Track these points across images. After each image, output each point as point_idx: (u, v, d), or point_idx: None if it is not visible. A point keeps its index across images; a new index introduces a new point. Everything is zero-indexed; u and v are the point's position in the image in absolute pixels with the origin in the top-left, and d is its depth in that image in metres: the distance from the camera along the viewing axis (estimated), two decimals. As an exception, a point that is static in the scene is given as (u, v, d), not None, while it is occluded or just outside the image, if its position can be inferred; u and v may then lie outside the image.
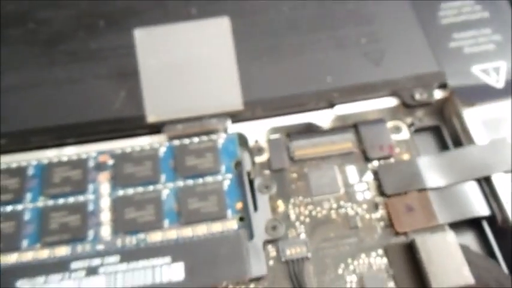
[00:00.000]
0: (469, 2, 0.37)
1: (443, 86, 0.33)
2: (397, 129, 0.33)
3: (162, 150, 0.32)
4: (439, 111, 0.34)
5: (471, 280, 0.27)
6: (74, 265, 0.28)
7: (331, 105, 0.33)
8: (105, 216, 0.30)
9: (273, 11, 0.36)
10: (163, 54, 0.32)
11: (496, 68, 0.34)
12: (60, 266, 0.28)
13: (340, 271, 0.28)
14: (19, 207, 0.30)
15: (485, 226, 0.30)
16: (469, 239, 0.30)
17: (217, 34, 0.33)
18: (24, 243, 0.29)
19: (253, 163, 0.31)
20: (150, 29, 0.32)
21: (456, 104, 0.33)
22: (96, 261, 0.28)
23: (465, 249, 0.28)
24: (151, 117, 0.32)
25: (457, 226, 0.29)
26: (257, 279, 0.28)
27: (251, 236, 0.29)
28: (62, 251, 0.29)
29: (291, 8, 0.36)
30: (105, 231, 0.29)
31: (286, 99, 0.33)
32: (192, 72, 0.33)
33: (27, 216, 0.29)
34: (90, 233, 0.29)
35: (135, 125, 0.32)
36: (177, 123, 0.32)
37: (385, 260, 0.28)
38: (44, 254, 0.28)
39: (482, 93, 0.33)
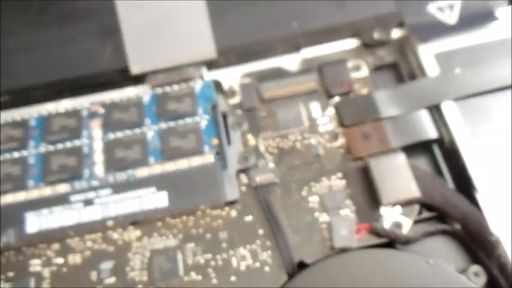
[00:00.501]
0: None
1: (400, 25, 0.36)
2: (357, 68, 0.35)
3: (146, 98, 0.35)
4: (398, 49, 0.37)
5: (417, 193, 0.30)
6: (73, 198, 0.32)
7: (297, 49, 0.37)
8: (98, 156, 0.34)
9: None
10: (142, 11, 0.36)
11: (450, 6, 0.36)
12: (62, 199, 0.32)
13: (303, 193, 0.32)
14: (24, 153, 0.34)
15: (435, 149, 0.33)
16: (422, 161, 0.33)
17: (189, -11, 0.36)
18: (30, 183, 0.33)
19: (227, 105, 0.35)
20: (128, -12, 0.36)
21: (412, 41, 0.36)
22: (91, 194, 0.32)
23: (414, 168, 0.31)
24: (134, 69, 0.36)
25: (411, 150, 0.33)
26: (231, 203, 0.32)
27: (225, 166, 0.33)
28: (63, 187, 0.33)
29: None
30: (99, 170, 0.33)
31: (256, 44, 0.36)
32: (170, 26, 0.36)
33: (31, 161, 0.34)
34: (86, 172, 0.33)
35: (120, 77, 0.36)
36: (158, 73, 0.36)
37: (343, 182, 0.32)
38: (47, 191, 0.33)
39: (437, 30, 0.35)
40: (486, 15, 0.35)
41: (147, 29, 0.36)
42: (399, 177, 0.31)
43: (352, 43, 0.36)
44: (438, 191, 0.31)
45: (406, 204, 0.31)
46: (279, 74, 0.36)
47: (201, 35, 0.36)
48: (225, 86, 0.36)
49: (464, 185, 0.31)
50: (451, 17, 0.36)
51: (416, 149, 0.33)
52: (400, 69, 0.36)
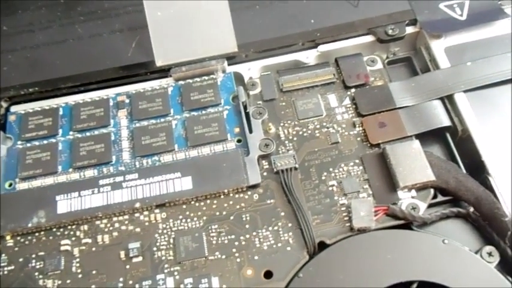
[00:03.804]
0: None
1: (413, 22, 0.38)
2: (373, 62, 0.37)
3: (170, 89, 0.37)
4: (411, 45, 0.39)
5: (432, 177, 0.32)
6: (102, 182, 0.33)
7: (315, 45, 0.38)
8: (125, 144, 0.35)
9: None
10: (168, 7, 0.38)
11: (461, 3, 0.38)
12: (91, 183, 0.33)
13: (323, 177, 0.33)
14: (53, 140, 0.36)
15: (448, 137, 0.34)
16: (435, 148, 0.34)
17: (212, -13, 0.38)
18: (59, 168, 0.35)
19: (248, 95, 0.37)
20: (155, -14, 0.38)
21: (425, 37, 0.37)
22: (119, 178, 0.33)
23: (429, 154, 0.33)
24: (159, 62, 0.37)
25: (426, 138, 0.34)
26: (253, 187, 0.33)
27: (247, 153, 0.34)
28: (90, 173, 0.34)
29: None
30: (126, 156, 0.35)
31: (275, 40, 0.38)
32: (193, 22, 0.38)
33: (60, 147, 0.35)
34: (113, 158, 0.35)
35: (146, 69, 0.37)
36: (181, 66, 0.37)
37: (361, 167, 0.33)
38: (75, 176, 0.34)
39: (448, 26, 0.37)
40: (496, 11, 0.37)
41: (171, 25, 0.38)
42: (414, 163, 0.32)
43: (367, 39, 0.38)
44: (452, 176, 0.32)
45: (421, 188, 0.32)
46: (297, 66, 0.38)
47: (223, 31, 0.37)
48: (246, 79, 0.37)
49: (476, 170, 0.33)
50: (461, 14, 0.37)
51: (430, 137, 0.35)
52: (413, 63, 0.38)
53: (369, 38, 0.38)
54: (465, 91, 0.34)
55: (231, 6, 0.38)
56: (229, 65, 0.38)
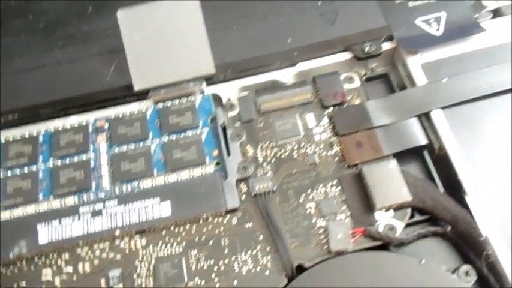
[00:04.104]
0: (414, -42, 0.41)
1: (390, 38, 0.38)
2: (350, 80, 0.37)
3: (149, 113, 0.37)
4: (390, 60, 0.39)
5: (409, 197, 0.32)
6: (82, 210, 0.34)
7: (293, 64, 0.38)
8: (105, 169, 0.35)
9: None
10: (144, 31, 0.38)
11: (437, 18, 0.38)
12: (71, 211, 0.34)
13: (301, 200, 0.33)
14: (34, 168, 0.36)
15: (426, 155, 0.34)
16: (413, 166, 0.35)
17: (189, 8, 0.38)
18: (40, 196, 0.35)
19: (227, 117, 0.37)
20: (130, 9, 0.38)
21: (402, 53, 0.37)
22: (99, 206, 0.34)
23: (406, 173, 0.33)
24: (137, 86, 0.37)
25: (404, 156, 0.34)
26: (232, 211, 0.33)
27: (226, 176, 0.34)
28: (71, 200, 0.34)
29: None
30: (105, 182, 0.35)
31: (253, 60, 0.38)
32: (170, 44, 0.38)
33: (40, 175, 0.35)
34: (93, 184, 0.35)
35: (125, 93, 0.38)
36: (160, 89, 0.37)
37: (339, 188, 0.33)
38: (56, 203, 0.34)
39: (424, 41, 0.37)
40: (472, 26, 0.37)
41: (148, 48, 0.38)
42: (391, 183, 0.32)
43: (345, 56, 0.38)
44: (429, 195, 0.32)
45: (398, 208, 0.32)
46: (275, 86, 0.38)
47: (200, 52, 0.38)
48: (224, 100, 0.38)
49: (454, 188, 0.33)
50: (438, 29, 0.37)
51: (409, 155, 0.35)
52: (391, 80, 0.38)
53: (347, 55, 0.38)
54: (442, 108, 0.35)
55: (207, 26, 0.38)
56: (207, 85, 0.38)
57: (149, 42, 0.38)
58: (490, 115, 0.34)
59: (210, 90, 0.38)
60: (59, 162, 0.36)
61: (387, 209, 0.32)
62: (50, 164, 0.36)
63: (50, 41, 0.40)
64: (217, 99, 0.38)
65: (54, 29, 0.41)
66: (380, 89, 0.38)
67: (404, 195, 0.32)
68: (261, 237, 0.32)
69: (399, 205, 0.32)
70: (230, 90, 0.38)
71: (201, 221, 0.33)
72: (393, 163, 0.33)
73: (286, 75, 0.38)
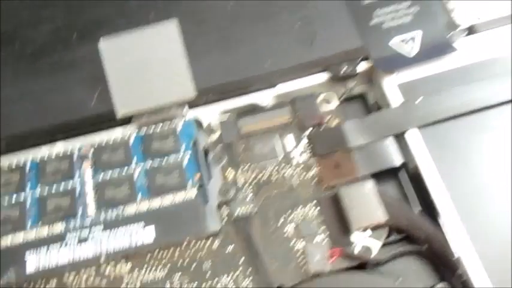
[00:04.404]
0: (390, -21, 0.41)
1: (366, 58, 0.39)
2: (328, 100, 0.38)
3: (132, 138, 0.38)
4: (368, 79, 0.40)
5: (385, 218, 0.33)
6: (68, 236, 0.35)
7: (272, 86, 0.39)
8: (90, 196, 0.36)
9: (218, 7, 0.42)
10: (126, 58, 0.39)
11: (412, 38, 0.39)
12: (58, 238, 0.35)
13: (280, 222, 0.34)
14: (22, 195, 0.37)
15: (403, 174, 0.35)
16: (391, 185, 0.35)
17: (168, 35, 0.39)
18: (28, 223, 0.36)
19: (208, 141, 0.38)
20: (112, 38, 0.39)
21: (377, 74, 0.38)
22: (85, 232, 0.35)
23: (382, 194, 0.34)
24: (120, 112, 0.38)
25: (381, 176, 0.35)
26: (213, 234, 0.34)
27: (207, 200, 0.35)
28: (58, 227, 0.35)
29: (234, 4, 0.42)
30: (91, 208, 0.36)
31: (233, 83, 0.39)
32: (151, 70, 0.39)
33: (28, 203, 0.36)
34: (79, 211, 0.36)
35: (109, 119, 0.38)
36: (142, 115, 0.38)
37: (317, 210, 0.34)
38: (44, 230, 0.35)
39: (399, 62, 0.38)
40: (446, 45, 0.38)
41: (130, 74, 0.38)
42: (367, 204, 0.33)
43: (323, 77, 0.39)
44: (404, 215, 0.33)
45: (375, 228, 0.33)
46: (255, 109, 0.38)
47: (180, 77, 0.38)
48: (206, 123, 0.38)
49: (429, 208, 0.34)
50: (412, 49, 0.38)
51: (386, 174, 0.35)
52: (368, 100, 0.39)
53: (326, 76, 0.39)
54: (418, 127, 0.35)
55: (187, 51, 0.39)
56: (189, 109, 0.39)
57: (131, 69, 0.39)
58: (466, 134, 0.35)
59: (192, 113, 0.39)
60: (46, 190, 0.37)
61: (364, 230, 0.33)
62: (38, 191, 0.37)
63: (36, 68, 0.41)
64: (198, 123, 0.39)
65: (41, 56, 0.42)
66: (358, 109, 0.39)
67: (380, 216, 0.33)
68: (241, 260, 0.33)
69: (375, 225, 0.33)
70: (211, 114, 0.39)
71: (183, 245, 0.34)
72: (369, 184, 0.34)
73: (266, 97, 0.39)
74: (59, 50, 0.42)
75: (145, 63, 0.38)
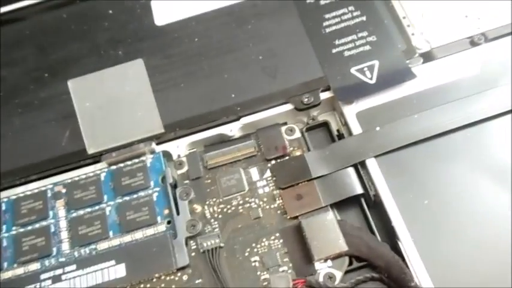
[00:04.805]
0: (349, 8, 0.43)
1: (327, 88, 0.40)
2: (291, 131, 0.39)
3: (103, 175, 0.39)
4: (330, 107, 0.41)
5: (345, 247, 0.34)
6: (43, 276, 0.36)
7: (238, 118, 0.40)
8: (64, 234, 0.38)
9: (185, 43, 0.43)
10: (94, 97, 0.40)
11: (371, 67, 0.40)
12: (33, 279, 0.36)
13: (246, 254, 0.35)
14: (-3, 236, 0.38)
15: (363, 203, 0.36)
16: (352, 214, 0.37)
17: (134, 73, 0.40)
18: (4, 264, 0.37)
19: (176, 175, 0.39)
20: (80, 78, 0.40)
21: (338, 103, 0.39)
22: (59, 271, 0.36)
23: (342, 223, 0.35)
24: (90, 150, 0.39)
25: (343, 205, 0.36)
26: (182, 268, 0.35)
27: (175, 235, 0.36)
28: (34, 266, 0.37)
29: (199, 39, 0.43)
30: (65, 246, 0.37)
31: (200, 117, 0.40)
32: (119, 107, 0.40)
33: (4, 243, 0.38)
34: (54, 250, 0.37)
35: (79, 157, 0.40)
36: (112, 152, 0.39)
37: (281, 241, 0.35)
38: (20, 271, 0.37)
39: (359, 91, 0.39)
40: (404, 72, 0.39)
41: (99, 112, 0.40)
42: (328, 234, 0.34)
43: (287, 107, 0.40)
44: (364, 243, 0.34)
45: (336, 257, 0.34)
46: (222, 141, 0.40)
47: (148, 112, 0.40)
48: (175, 156, 0.40)
49: (389, 234, 0.35)
50: (371, 77, 0.39)
51: (348, 203, 0.37)
52: (330, 129, 0.40)
53: (289, 106, 0.40)
54: (375, 156, 0.37)
55: (154, 87, 0.40)
56: (158, 144, 0.40)
57: (99, 107, 0.40)
58: (422, 161, 0.36)
59: (161, 147, 0.40)
60: (21, 230, 0.38)
61: (325, 260, 0.34)
62: (13, 232, 0.38)
63: (9, 108, 0.43)
64: (168, 155, 0.40)
65: (14, 96, 0.43)
66: (321, 138, 0.40)
67: (341, 246, 0.34)
68: (210, 293, 0.35)
69: (336, 255, 0.34)
70: (180, 147, 0.40)
71: (154, 280, 0.35)
72: (330, 214, 0.35)
73: (232, 129, 0.40)
74: (31, 90, 0.43)
75: (113, 101, 0.40)
